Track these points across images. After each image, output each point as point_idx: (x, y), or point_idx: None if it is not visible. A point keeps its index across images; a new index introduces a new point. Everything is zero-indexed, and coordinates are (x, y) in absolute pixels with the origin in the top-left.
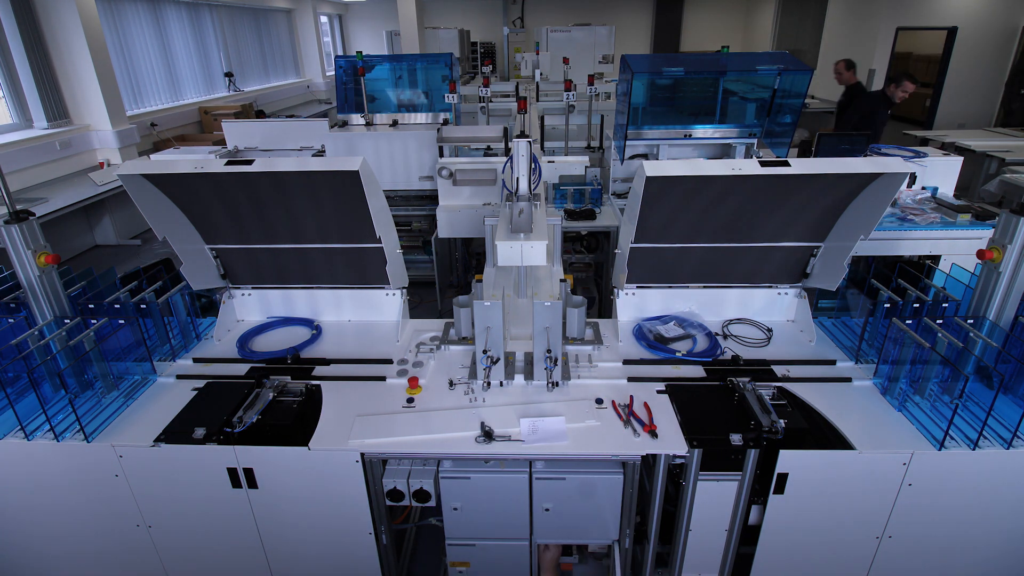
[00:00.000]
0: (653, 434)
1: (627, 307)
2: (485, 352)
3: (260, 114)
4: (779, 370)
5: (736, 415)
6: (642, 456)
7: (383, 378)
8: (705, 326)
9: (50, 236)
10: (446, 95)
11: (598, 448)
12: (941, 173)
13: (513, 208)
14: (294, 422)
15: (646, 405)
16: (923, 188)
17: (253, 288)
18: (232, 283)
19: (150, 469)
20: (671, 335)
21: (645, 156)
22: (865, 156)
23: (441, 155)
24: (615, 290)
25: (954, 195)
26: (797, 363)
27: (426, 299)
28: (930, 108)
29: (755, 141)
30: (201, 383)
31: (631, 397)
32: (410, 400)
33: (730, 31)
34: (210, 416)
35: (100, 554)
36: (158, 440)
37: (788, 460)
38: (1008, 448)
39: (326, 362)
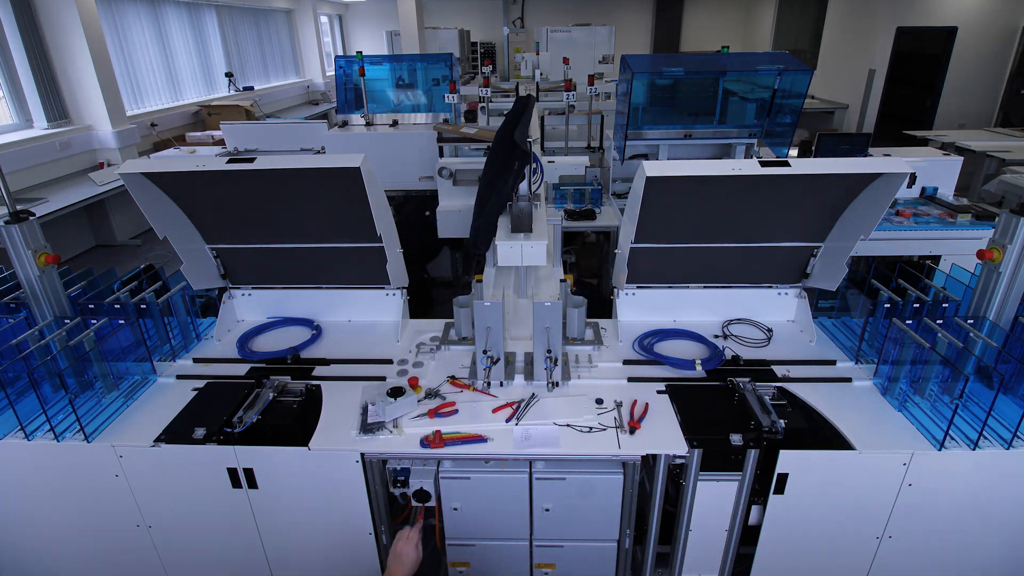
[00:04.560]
0: (632, 430)
1: (627, 307)
2: (485, 352)
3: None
4: (779, 370)
5: (736, 415)
6: (642, 456)
7: (383, 378)
8: (704, 336)
9: (50, 236)
10: (446, 95)
11: (598, 448)
12: (941, 173)
13: (513, 208)
14: (294, 422)
15: (637, 403)
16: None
17: (253, 288)
18: (232, 283)
19: (150, 469)
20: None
21: (645, 156)
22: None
23: (441, 155)
24: (615, 290)
25: (954, 195)
26: (797, 363)
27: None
28: (930, 108)
29: (755, 141)
30: (201, 383)
31: (634, 401)
32: None
33: (730, 31)
34: (210, 416)
35: (100, 554)
36: (158, 440)
37: (788, 460)
38: (1008, 448)
39: (326, 362)
